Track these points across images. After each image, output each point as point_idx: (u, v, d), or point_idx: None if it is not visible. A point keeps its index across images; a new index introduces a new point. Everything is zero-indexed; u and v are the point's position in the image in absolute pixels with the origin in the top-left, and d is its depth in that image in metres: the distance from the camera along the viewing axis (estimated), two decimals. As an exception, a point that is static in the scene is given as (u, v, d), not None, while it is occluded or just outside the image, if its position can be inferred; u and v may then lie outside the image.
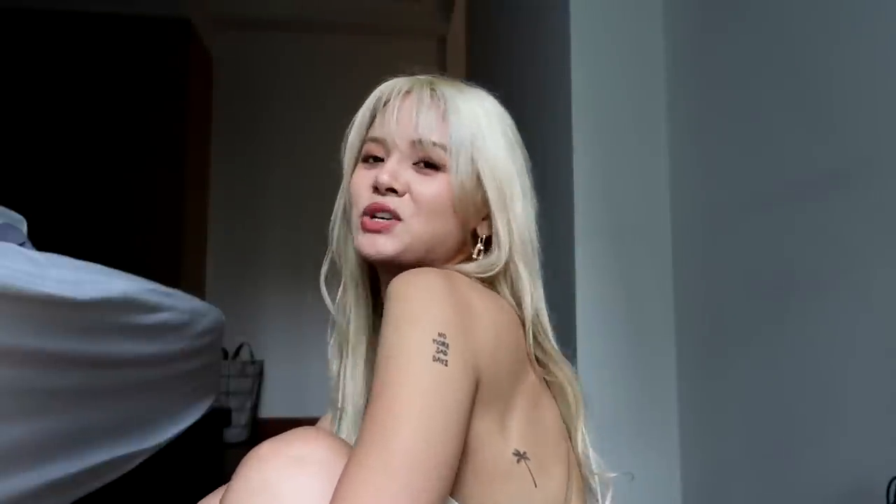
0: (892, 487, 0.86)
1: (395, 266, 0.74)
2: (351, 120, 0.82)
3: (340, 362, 0.83)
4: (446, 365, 0.60)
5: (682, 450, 1.58)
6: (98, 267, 1.43)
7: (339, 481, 0.56)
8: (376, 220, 0.74)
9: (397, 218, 0.74)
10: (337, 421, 0.83)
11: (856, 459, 1.04)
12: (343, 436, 0.80)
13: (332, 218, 0.84)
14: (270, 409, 4.21)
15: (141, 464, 1.60)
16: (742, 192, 1.38)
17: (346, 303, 0.83)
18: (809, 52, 1.18)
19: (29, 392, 1.09)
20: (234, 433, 3.79)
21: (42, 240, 1.75)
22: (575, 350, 1.58)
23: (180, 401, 1.93)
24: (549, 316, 0.77)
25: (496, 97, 0.82)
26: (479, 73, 3.19)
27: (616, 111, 1.69)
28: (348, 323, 0.82)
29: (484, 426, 0.65)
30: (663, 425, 1.59)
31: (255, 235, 4.40)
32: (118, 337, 1.42)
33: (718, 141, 1.48)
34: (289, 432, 0.65)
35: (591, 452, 0.75)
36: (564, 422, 0.75)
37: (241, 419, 3.92)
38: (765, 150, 1.30)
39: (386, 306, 0.65)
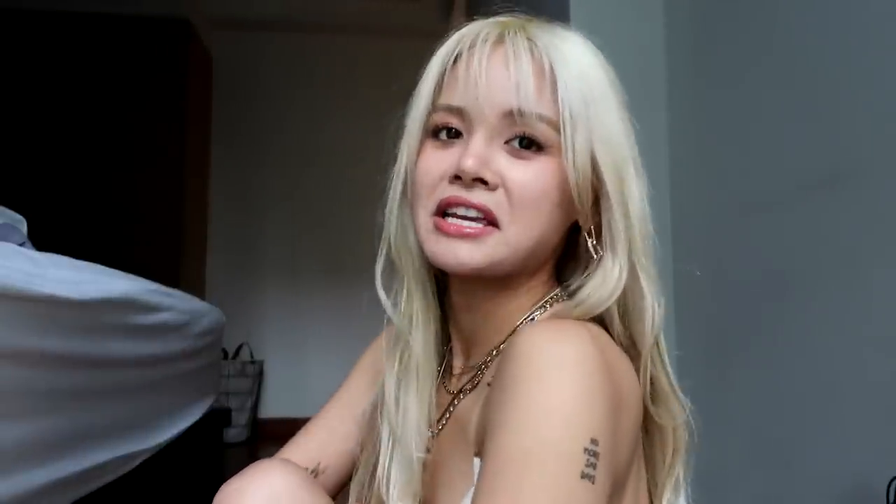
0: (892, 487, 0.86)
1: (475, 278, 0.60)
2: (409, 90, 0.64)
3: (399, 383, 0.64)
4: (593, 482, 0.47)
5: (682, 450, 1.58)
6: (98, 267, 1.43)
7: None
8: (458, 221, 0.57)
9: (493, 223, 0.57)
10: (388, 451, 0.64)
11: (856, 459, 1.04)
12: (393, 473, 0.62)
13: (389, 205, 0.64)
14: (270, 409, 4.21)
15: (141, 464, 1.60)
16: (742, 192, 1.38)
17: (411, 312, 0.64)
18: (809, 53, 1.18)
19: (29, 392, 1.09)
20: (234, 433, 3.79)
21: (42, 240, 1.75)
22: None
23: (180, 401, 1.93)
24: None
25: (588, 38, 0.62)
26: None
27: (616, 111, 1.68)
28: (412, 337, 0.64)
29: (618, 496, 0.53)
30: (663, 425, 1.59)
31: (255, 235, 4.40)
32: (118, 337, 1.42)
33: (718, 141, 1.48)
34: None
35: None
36: (649, 470, 0.61)
37: (241, 419, 3.92)
38: (765, 149, 1.30)
39: (510, 369, 0.50)
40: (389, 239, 0.64)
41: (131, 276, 1.59)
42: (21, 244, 1.51)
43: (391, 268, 0.65)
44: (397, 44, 4.38)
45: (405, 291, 0.64)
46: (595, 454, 0.47)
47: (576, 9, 1.70)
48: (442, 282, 0.67)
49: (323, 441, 0.72)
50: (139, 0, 3.79)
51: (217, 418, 2.65)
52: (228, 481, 0.59)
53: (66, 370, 1.20)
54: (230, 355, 4.04)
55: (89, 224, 3.59)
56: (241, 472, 0.60)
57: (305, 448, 0.71)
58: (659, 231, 0.61)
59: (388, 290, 0.65)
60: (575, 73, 0.57)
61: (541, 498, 0.46)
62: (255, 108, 4.45)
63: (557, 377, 0.49)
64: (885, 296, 0.99)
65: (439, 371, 0.68)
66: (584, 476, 0.46)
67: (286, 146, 4.38)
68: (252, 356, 4.22)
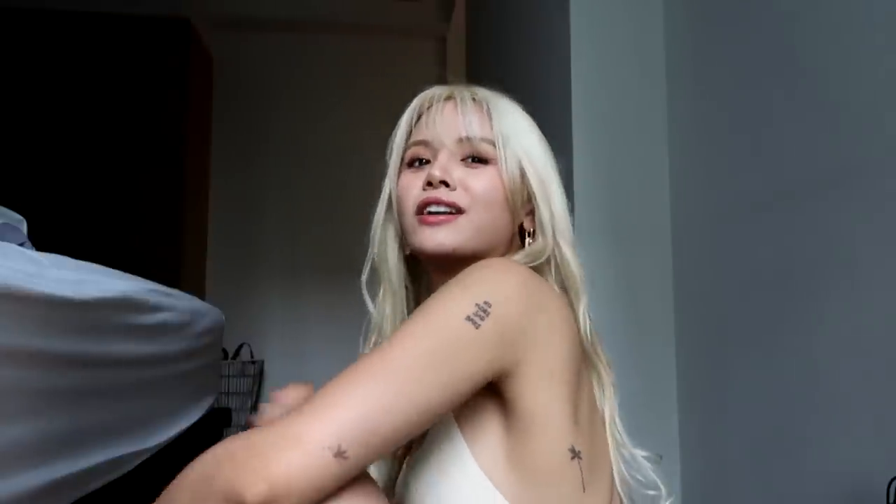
0: (892, 487, 0.86)
1: (452, 261, 0.75)
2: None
3: None
4: (477, 327, 0.60)
5: (682, 450, 1.58)
6: (98, 267, 1.43)
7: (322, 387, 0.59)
8: (436, 214, 0.75)
9: (459, 211, 0.76)
10: None
11: (856, 459, 1.04)
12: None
13: (374, 223, 0.85)
14: (270, 409, 4.20)
15: (141, 464, 1.60)
16: (742, 192, 1.38)
17: (384, 308, 0.84)
18: (810, 52, 1.18)
19: (29, 392, 1.09)
20: (234, 433, 3.78)
21: (42, 240, 1.75)
22: (575, 350, 1.57)
23: (180, 401, 1.93)
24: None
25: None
26: (479, 73, 3.19)
27: (616, 111, 1.69)
28: (383, 327, 0.84)
29: (551, 396, 0.65)
30: (663, 425, 1.59)
31: (255, 235, 4.39)
32: (118, 337, 1.42)
33: (718, 141, 1.48)
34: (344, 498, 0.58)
35: (623, 436, 0.77)
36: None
37: (241, 419, 3.91)
38: (765, 149, 1.30)
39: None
40: (375, 249, 0.85)
41: (131, 276, 1.59)
42: (21, 244, 1.51)
43: (373, 276, 0.85)
44: (397, 44, 4.38)
45: (381, 292, 0.85)
46: (485, 310, 0.61)
47: (576, 9, 1.70)
48: (422, 287, 0.87)
49: None
50: (139, 0, 3.79)
51: (217, 418, 2.65)
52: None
53: (65, 370, 1.20)
54: (230, 355, 4.04)
55: (89, 224, 3.59)
56: None
57: None
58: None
59: (370, 291, 0.85)
60: (504, 112, 0.80)
61: (424, 322, 0.61)
62: (255, 108, 4.44)
63: (477, 274, 0.65)
64: (885, 295, 0.99)
65: None
66: (468, 319, 0.60)
67: (287, 146, 4.38)
68: (252, 356, 4.22)
